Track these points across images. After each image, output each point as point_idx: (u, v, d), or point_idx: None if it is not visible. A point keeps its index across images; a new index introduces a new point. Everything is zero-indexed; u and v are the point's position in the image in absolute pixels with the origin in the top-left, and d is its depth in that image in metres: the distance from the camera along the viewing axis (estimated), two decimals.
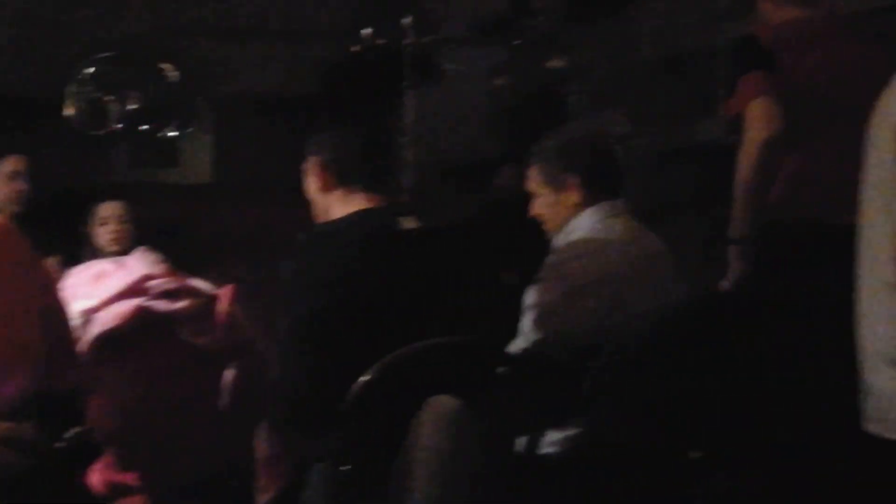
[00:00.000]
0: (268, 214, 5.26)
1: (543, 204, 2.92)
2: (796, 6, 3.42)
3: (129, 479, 3.18)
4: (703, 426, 2.81)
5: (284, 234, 2.51)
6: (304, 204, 2.72)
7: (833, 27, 3.44)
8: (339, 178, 2.60)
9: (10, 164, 3.88)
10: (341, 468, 2.26)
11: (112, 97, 5.70)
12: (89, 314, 3.27)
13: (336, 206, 2.60)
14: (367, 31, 5.61)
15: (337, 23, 6.27)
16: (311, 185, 2.67)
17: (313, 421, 2.33)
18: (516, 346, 2.74)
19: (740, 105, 3.36)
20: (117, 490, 3.17)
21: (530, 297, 2.78)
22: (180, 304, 3.34)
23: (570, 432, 2.72)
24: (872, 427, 2.19)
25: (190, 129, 6.37)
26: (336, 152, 2.63)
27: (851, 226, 2.28)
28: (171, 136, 6.19)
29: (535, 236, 3.04)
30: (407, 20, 5.12)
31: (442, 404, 2.10)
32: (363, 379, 2.24)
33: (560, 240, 2.90)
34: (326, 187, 2.62)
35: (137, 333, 3.27)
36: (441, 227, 2.66)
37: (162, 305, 3.33)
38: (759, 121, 3.28)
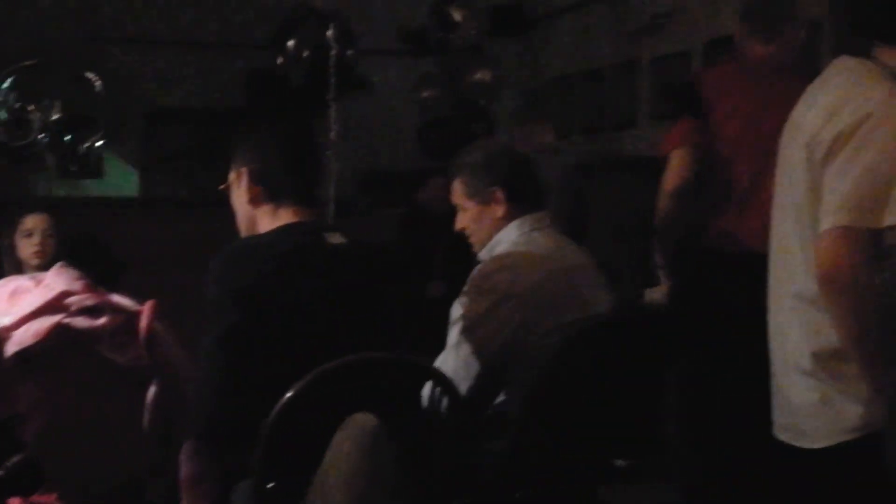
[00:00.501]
0: (193, 227, 5.19)
1: (468, 217, 2.92)
2: (758, 41, 3.55)
3: (48, 500, 3.11)
4: (628, 435, 2.85)
5: (210, 248, 2.45)
6: (230, 217, 2.65)
7: (744, 75, 3.60)
8: (267, 190, 2.52)
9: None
10: (266, 486, 2.23)
11: (34, 107, 5.59)
12: (6, 332, 3.20)
13: (264, 219, 2.52)
14: (291, 44, 5.57)
15: (264, 35, 6.23)
16: (239, 197, 2.57)
17: (235, 438, 2.29)
18: (442, 359, 2.74)
19: (665, 150, 3.70)
20: None
21: (456, 310, 2.79)
22: (101, 321, 3.28)
23: (496, 446, 2.73)
24: (784, 436, 2.23)
25: (115, 141, 6.29)
26: (265, 164, 2.54)
27: (754, 253, 2.35)
28: (97, 148, 6.09)
29: (462, 249, 3.05)
30: (330, 32, 5.10)
31: (361, 422, 2.08)
32: (286, 395, 2.21)
33: (485, 253, 2.91)
34: (255, 200, 2.53)
35: (56, 351, 3.21)
36: (368, 242, 2.62)
37: (82, 322, 3.27)
38: (672, 171, 3.62)
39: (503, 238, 2.88)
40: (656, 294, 4.37)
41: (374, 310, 2.50)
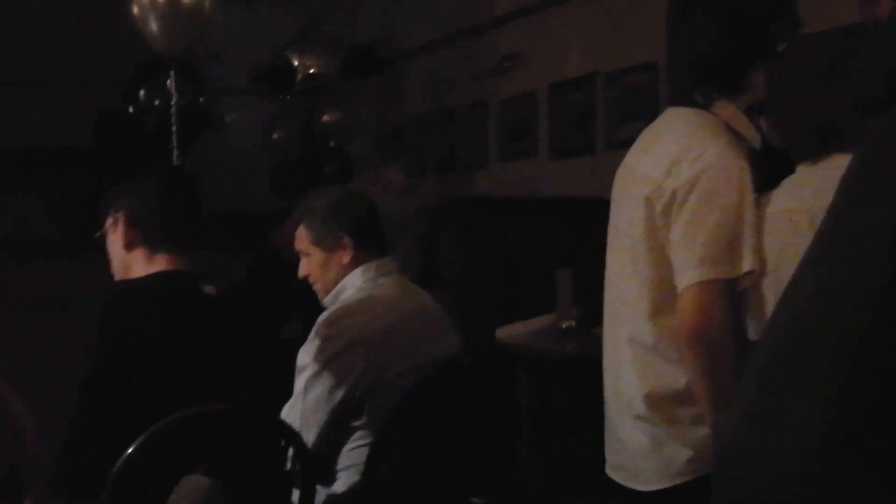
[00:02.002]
0: (51, 271, 5.05)
1: (313, 264, 2.90)
2: None
3: None
4: (483, 473, 2.88)
5: (68, 293, 2.39)
6: (90, 260, 2.61)
7: None
8: (143, 235, 2.49)
9: None
10: None
11: None
12: None
13: (139, 264, 2.50)
14: (141, 92, 5.52)
15: (118, 75, 6.13)
16: (114, 242, 2.53)
17: (88, 489, 2.24)
18: (289, 407, 2.73)
19: None
20: None
21: (302, 357, 2.76)
22: None
23: (348, 487, 2.73)
24: (616, 476, 2.26)
25: None
26: (142, 209, 2.51)
27: None
28: None
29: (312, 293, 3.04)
30: (170, 82, 5.06)
31: (193, 484, 2.06)
32: (128, 449, 2.18)
33: (330, 300, 2.90)
34: (130, 245, 2.50)
35: None
36: (237, 292, 2.60)
37: None
38: None
39: (348, 284, 2.88)
40: (510, 333, 4.45)
41: (243, 360, 2.48)
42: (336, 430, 2.74)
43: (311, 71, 6.15)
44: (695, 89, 2.11)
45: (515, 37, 6.14)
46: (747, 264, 1.97)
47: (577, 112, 5.62)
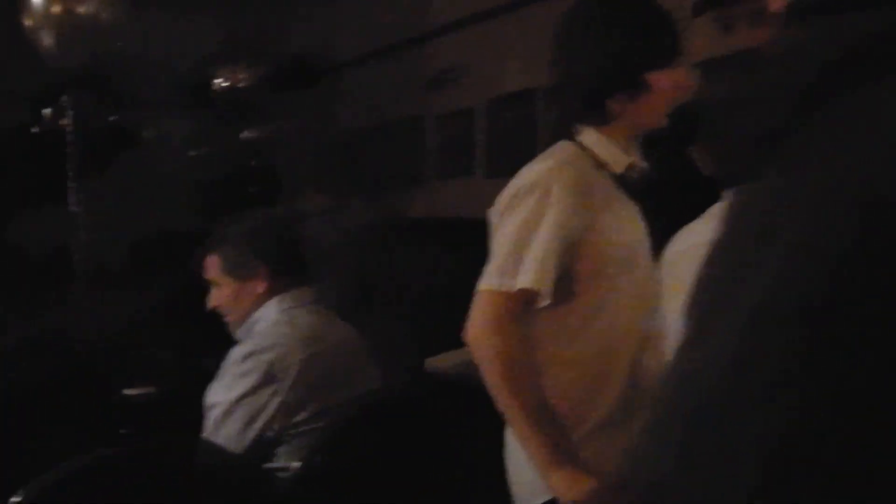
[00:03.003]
0: None
1: (225, 294, 2.79)
2: None
3: None
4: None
5: None
6: None
7: None
8: None
9: None
10: None
11: None
12: None
13: None
14: (47, 111, 5.30)
15: (28, 90, 5.88)
16: None
17: None
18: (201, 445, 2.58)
19: None
20: None
21: (212, 395, 2.64)
22: None
23: None
24: (512, 493, 2.25)
25: None
26: None
27: None
28: None
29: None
30: (65, 98, 4.78)
31: None
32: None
33: (243, 332, 2.76)
34: None
35: None
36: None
37: None
38: None
39: (263, 316, 2.76)
40: (441, 362, 4.29)
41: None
42: (247, 471, 2.60)
43: (237, 84, 5.96)
44: (562, 120, 2.19)
45: (453, 51, 6.03)
46: (524, 281, 2.01)
47: (516, 129, 5.49)
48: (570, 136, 2.14)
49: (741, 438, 0.85)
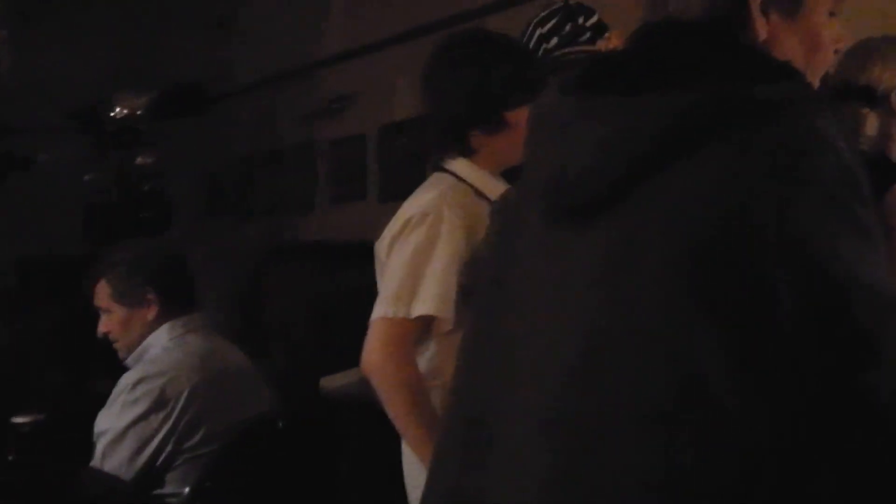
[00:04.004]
0: None
1: (115, 321, 2.78)
2: None
3: None
4: None
5: None
6: None
7: None
8: None
9: None
10: None
11: None
12: None
13: None
14: None
15: None
16: None
17: None
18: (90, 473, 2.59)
19: None
20: None
21: (102, 422, 2.64)
22: None
23: None
24: None
25: None
26: None
27: None
28: None
29: None
30: None
31: None
32: None
33: (133, 359, 2.76)
34: None
35: None
36: None
37: None
38: None
39: (153, 342, 2.77)
40: (333, 383, 4.32)
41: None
42: (136, 498, 2.61)
43: (127, 110, 5.91)
44: (433, 152, 2.23)
45: (345, 78, 6.08)
46: (421, 308, 2.03)
47: (408, 154, 5.55)
48: (442, 168, 2.19)
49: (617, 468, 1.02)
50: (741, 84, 1.06)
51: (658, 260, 1.04)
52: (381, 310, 2.07)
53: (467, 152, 2.16)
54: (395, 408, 2.07)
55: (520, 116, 2.10)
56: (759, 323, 0.99)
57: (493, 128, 2.14)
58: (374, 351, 2.06)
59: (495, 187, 2.15)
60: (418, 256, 2.06)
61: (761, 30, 1.17)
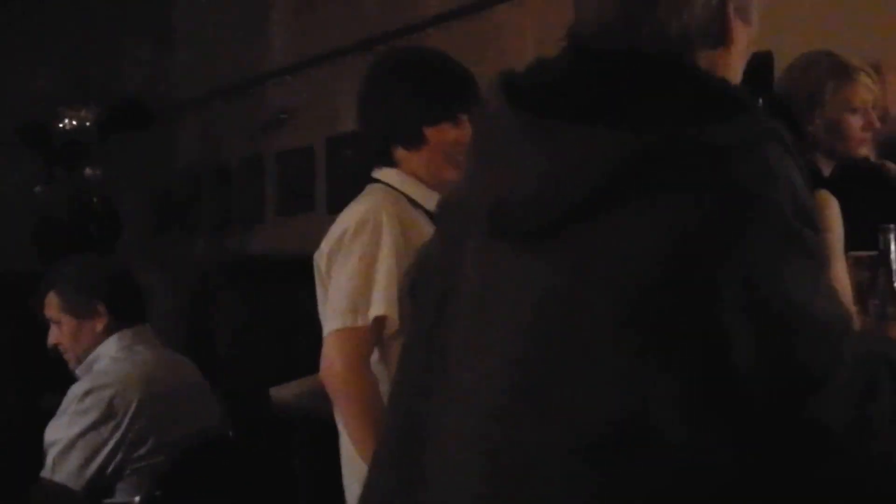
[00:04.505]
0: None
1: (64, 332, 2.77)
2: None
3: None
4: None
5: None
6: None
7: None
8: None
9: None
10: None
11: None
12: None
13: None
14: None
15: None
16: None
17: None
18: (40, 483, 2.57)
19: None
20: None
21: (51, 433, 2.63)
22: None
23: None
24: None
25: None
26: None
27: None
28: None
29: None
30: None
31: None
32: None
33: (82, 370, 2.77)
34: None
35: None
36: None
37: None
38: None
39: (102, 353, 2.76)
40: (284, 393, 4.33)
41: None
42: None
43: (75, 122, 5.90)
44: (365, 164, 2.28)
45: (291, 91, 6.11)
46: (375, 310, 2.05)
47: (356, 165, 5.58)
48: (373, 179, 2.23)
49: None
50: (692, 121, 1.06)
51: (604, 293, 1.04)
52: (338, 321, 2.07)
53: (393, 166, 2.22)
54: (361, 423, 2.07)
55: (438, 134, 2.18)
56: (707, 358, 1.01)
57: (414, 144, 2.19)
58: (337, 364, 2.06)
59: (427, 194, 2.19)
60: (365, 264, 2.08)
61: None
